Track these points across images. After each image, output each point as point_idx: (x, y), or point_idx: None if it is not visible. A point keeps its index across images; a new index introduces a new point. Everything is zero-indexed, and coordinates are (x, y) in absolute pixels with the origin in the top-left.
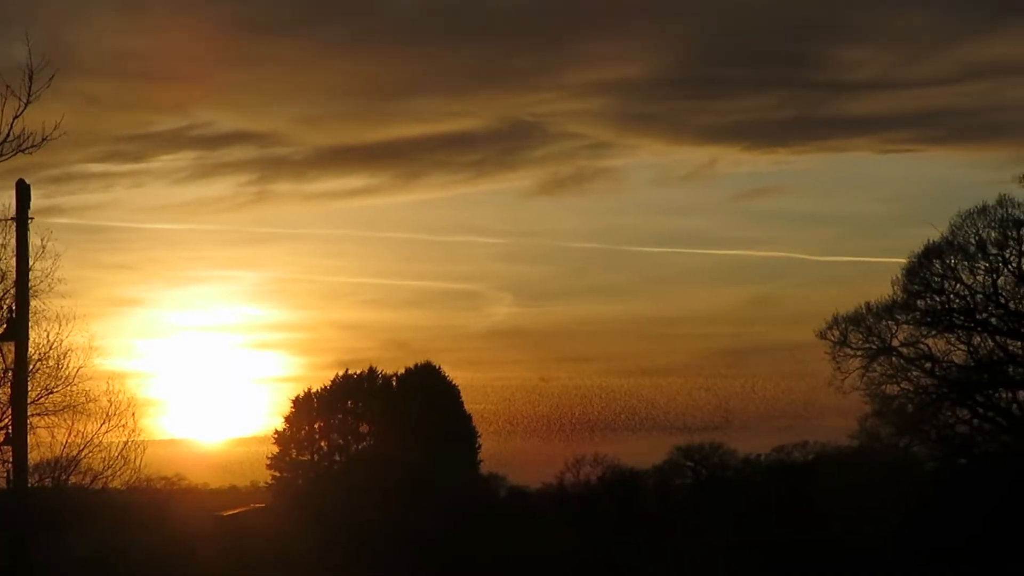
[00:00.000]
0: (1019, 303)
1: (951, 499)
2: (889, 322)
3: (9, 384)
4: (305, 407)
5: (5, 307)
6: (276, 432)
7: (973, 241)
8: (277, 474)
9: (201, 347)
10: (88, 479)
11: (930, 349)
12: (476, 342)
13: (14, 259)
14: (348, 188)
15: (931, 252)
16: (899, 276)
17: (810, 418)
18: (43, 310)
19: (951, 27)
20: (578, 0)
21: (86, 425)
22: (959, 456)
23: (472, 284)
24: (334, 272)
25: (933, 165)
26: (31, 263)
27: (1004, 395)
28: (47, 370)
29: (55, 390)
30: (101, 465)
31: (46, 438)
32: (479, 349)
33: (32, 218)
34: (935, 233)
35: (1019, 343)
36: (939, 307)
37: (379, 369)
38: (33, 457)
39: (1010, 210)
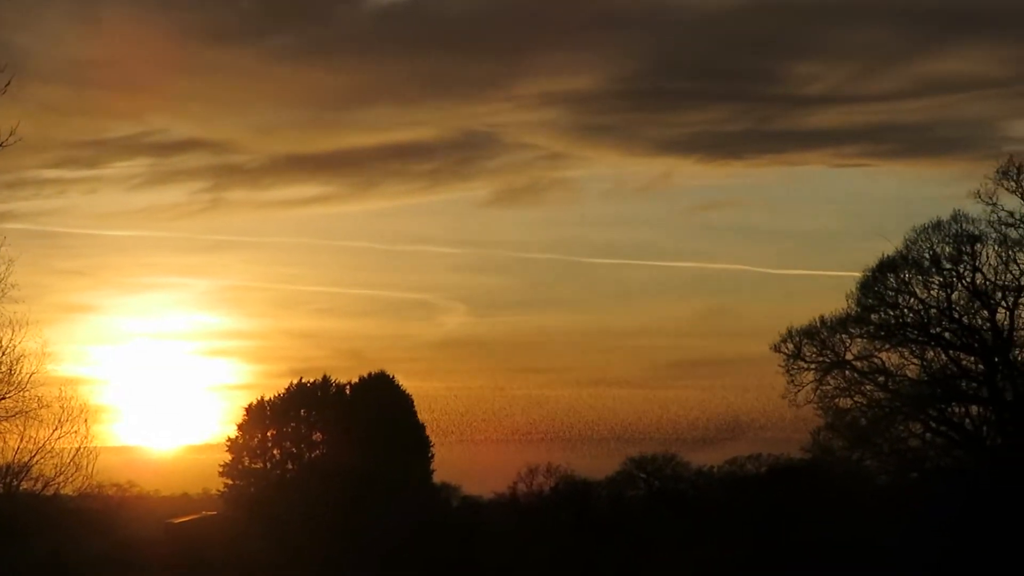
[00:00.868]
0: (972, 318)
1: (903, 513)
2: (843, 336)
3: None
4: (258, 415)
5: None
6: (229, 440)
7: (927, 256)
8: (229, 482)
9: (154, 354)
10: (40, 485)
11: (883, 363)
12: (430, 352)
13: None
14: (302, 197)
15: (885, 266)
16: (853, 290)
17: (763, 431)
18: None
19: (905, 43)
20: (532, 11)
21: (38, 431)
22: (911, 470)
23: (426, 294)
24: (288, 280)
25: (887, 179)
26: None
27: (957, 410)
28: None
29: (7, 396)
30: (53, 471)
31: None
32: (433, 359)
33: None
34: (889, 247)
35: (972, 358)
36: (893, 321)
37: (333, 378)
38: None
39: (964, 225)
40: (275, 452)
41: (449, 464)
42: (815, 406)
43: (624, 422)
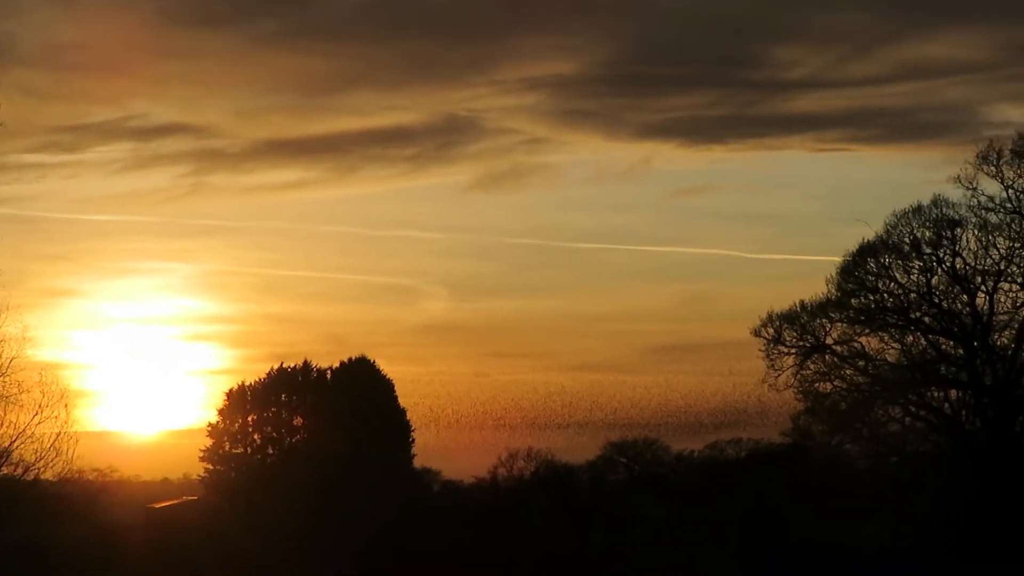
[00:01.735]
0: (952, 303)
1: (882, 497)
2: (823, 320)
3: None
4: (239, 400)
5: None
6: (209, 425)
7: (907, 241)
8: (210, 467)
9: (135, 339)
10: (20, 470)
11: (863, 347)
12: (412, 337)
13: None
14: (284, 181)
15: (866, 251)
16: (833, 275)
17: (743, 415)
18: None
19: (886, 28)
20: None
21: (18, 416)
22: (891, 454)
23: (408, 279)
24: (269, 265)
25: (868, 164)
26: None
27: (936, 394)
28: None
29: None
30: (33, 456)
31: None
32: (414, 344)
33: None
34: (870, 232)
35: (952, 342)
36: (873, 306)
37: (314, 363)
38: None
39: (944, 210)
40: (256, 437)
41: (430, 449)
42: (795, 390)
43: (605, 407)
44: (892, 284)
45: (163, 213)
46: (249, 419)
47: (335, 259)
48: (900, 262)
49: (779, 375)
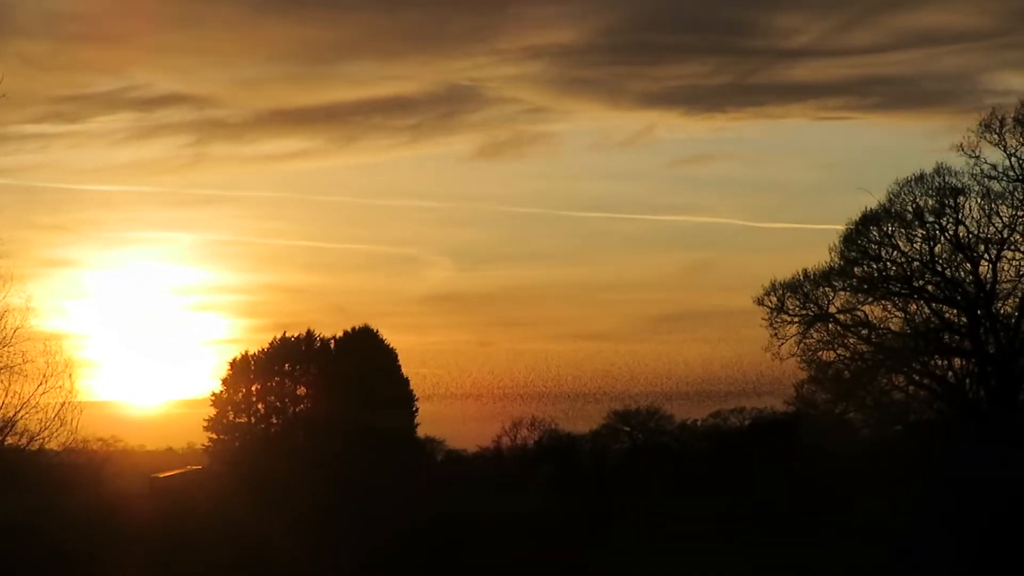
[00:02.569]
0: (955, 271)
1: (886, 466)
2: (826, 289)
3: None
4: (242, 369)
5: None
6: (213, 394)
7: (910, 209)
8: (214, 436)
9: (139, 308)
10: (24, 440)
11: (867, 316)
12: (414, 306)
13: None
14: (285, 151)
15: (868, 219)
16: (836, 243)
17: (747, 384)
18: None
19: None
20: None
21: (23, 386)
22: (894, 423)
23: (410, 248)
24: (272, 235)
25: (870, 133)
26: None
27: (940, 362)
28: None
29: None
30: (38, 426)
31: None
32: (417, 313)
33: None
34: (872, 200)
35: (955, 311)
36: (876, 274)
37: (317, 332)
38: None
39: (947, 178)
40: (259, 406)
41: (433, 418)
42: (798, 359)
43: (608, 375)
44: (895, 252)
45: (165, 183)
46: (253, 389)
47: (337, 229)
48: (903, 230)
49: (782, 344)
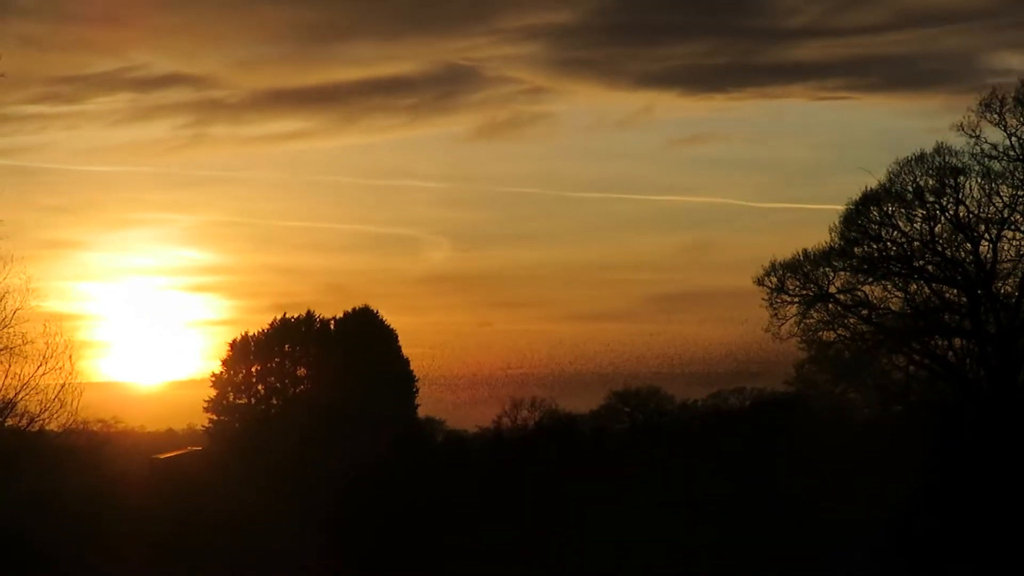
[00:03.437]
0: (955, 251)
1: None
2: (826, 269)
3: None
4: (242, 350)
5: None
6: (213, 375)
7: (911, 189)
8: (214, 417)
9: (138, 290)
10: (25, 421)
11: (867, 296)
12: (413, 287)
13: None
14: (284, 132)
15: (868, 199)
16: (836, 223)
17: (747, 364)
18: None
19: None
20: None
21: (23, 367)
22: (895, 403)
23: (409, 228)
24: (270, 215)
25: (870, 112)
26: None
27: (940, 342)
28: None
29: None
30: (38, 408)
31: None
32: (417, 294)
33: None
34: (873, 180)
35: (955, 291)
36: (876, 254)
37: (317, 313)
38: None
39: (947, 158)
40: (259, 387)
41: (433, 399)
42: (798, 339)
43: (608, 356)
44: (895, 232)
45: (163, 164)
46: (253, 369)
47: (336, 209)
48: (903, 210)
49: (782, 324)
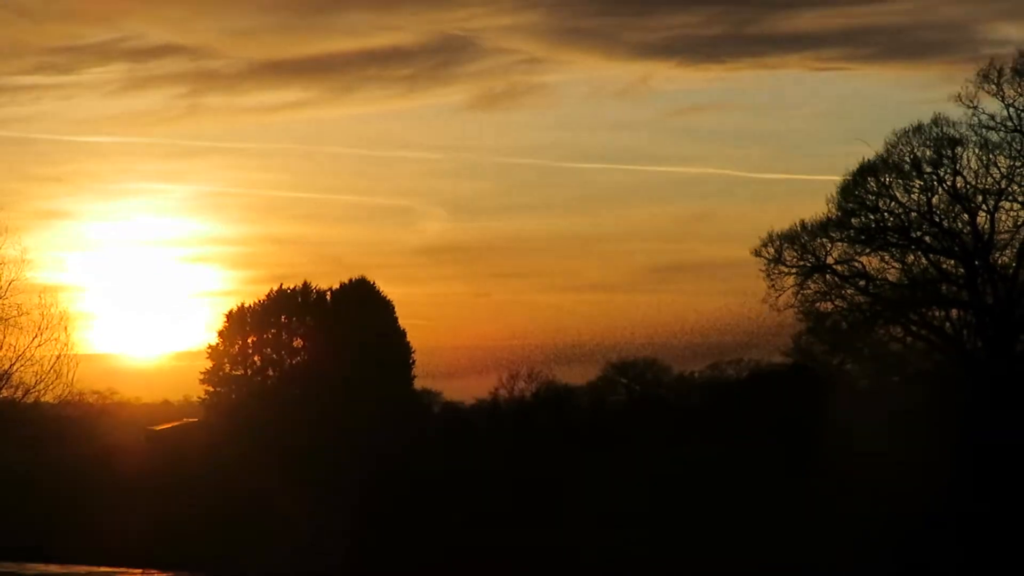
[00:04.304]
0: (953, 221)
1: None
2: (824, 240)
3: None
4: (238, 322)
5: None
6: (209, 347)
7: (908, 160)
8: (210, 389)
9: (134, 261)
10: (20, 393)
11: (864, 267)
12: (410, 257)
13: None
14: (280, 102)
15: (866, 170)
16: (834, 194)
17: (744, 335)
18: None
19: None
20: None
21: (18, 339)
22: (892, 374)
23: (405, 199)
24: (267, 186)
25: (867, 83)
26: None
27: (937, 313)
28: None
29: None
30: (33, 379)
31: None
32: (414, 264)
33: None
34: (870, 151)
35: (952, 261)
36: (873, 225)
37: (313, 284)
38: None
39: (945, 129)
40: (256, 359)
41: (430, 370)
42: (796, 310)
43: (605, 327)
44: (893, 203)
45: (159, 134)
46: (249, 341)
47: (332, 180)
48: (901, 181)
49: (780, 295)
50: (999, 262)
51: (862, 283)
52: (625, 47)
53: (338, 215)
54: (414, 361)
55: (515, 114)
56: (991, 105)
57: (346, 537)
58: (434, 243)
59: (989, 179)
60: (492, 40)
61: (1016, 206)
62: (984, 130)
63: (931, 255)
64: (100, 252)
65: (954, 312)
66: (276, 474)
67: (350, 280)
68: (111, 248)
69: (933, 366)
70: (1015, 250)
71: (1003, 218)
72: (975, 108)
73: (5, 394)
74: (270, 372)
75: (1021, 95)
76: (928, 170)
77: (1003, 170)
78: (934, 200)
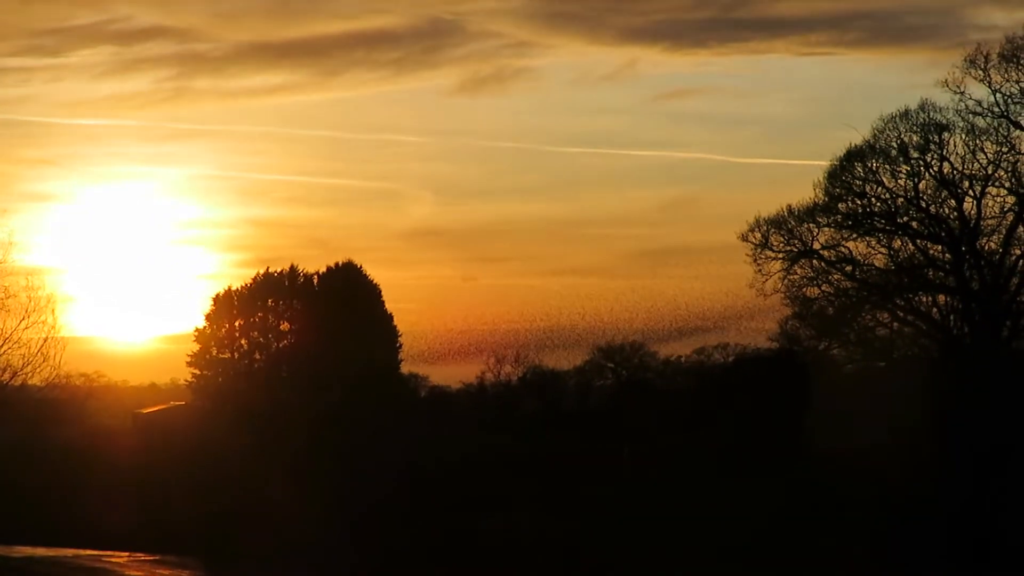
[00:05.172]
0: (940, 207)
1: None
2: (810, 225)
3: None
4: (225, 305)
5: None
6: (196, 330)
7: (895, 145)
8: (197, 372)
9: (120, 243)
10: (7, 375)
11: (851, 252)
12: (397, 241)
13: None
14: (267, 85)
15: (853, 155)
16: (821, 179)
17: (730, 320)
18: None
19: None
20: None
21: (5, 321)
22: (878, 359)
23: (392, 183)
24: (253, 169)
25: (853, 68)
26: None
27: (924, 299)
28: None
29: None
30: (20, 362)
31: None
32: (400, 248)
33: None
34: (857, 136)
35: (939, 247)
36: (860, 210)
37: (300, 267)
38: None
39: (932, 114)
40: (243, 342)
41: (417, 354)
42: (782, 295)
43: (592, 311)
44: (879, 188)
45: (146, 117)
46: (236, 324)
47: (319, 163)
48: (887, 166)
49: (766, 280)
50: (986, 248)
51: (849, 268)
52: (611, 31)
53: (325, 198)
54: (401, 345)
55: (502, 98)
56: (978, 91)
57: (335, 519)
58: (421, 227)
59: (976, 165)
60: (479, 24)
61: (1003, 192)
62: (971, 116)
63: (918, 240)
64: (88, 234)
65: (941, 298)
66: (263, 456)
67: (337, 264)
68: (99, 230)
69: (919, 351)
70: (1001, 236)
71: (989, 204)
72: (962, 94)
73: None
74: (257, 355)
75: (1008, 81)
76: (915, 155)
77: (990, 156)
78: (921, 186)
